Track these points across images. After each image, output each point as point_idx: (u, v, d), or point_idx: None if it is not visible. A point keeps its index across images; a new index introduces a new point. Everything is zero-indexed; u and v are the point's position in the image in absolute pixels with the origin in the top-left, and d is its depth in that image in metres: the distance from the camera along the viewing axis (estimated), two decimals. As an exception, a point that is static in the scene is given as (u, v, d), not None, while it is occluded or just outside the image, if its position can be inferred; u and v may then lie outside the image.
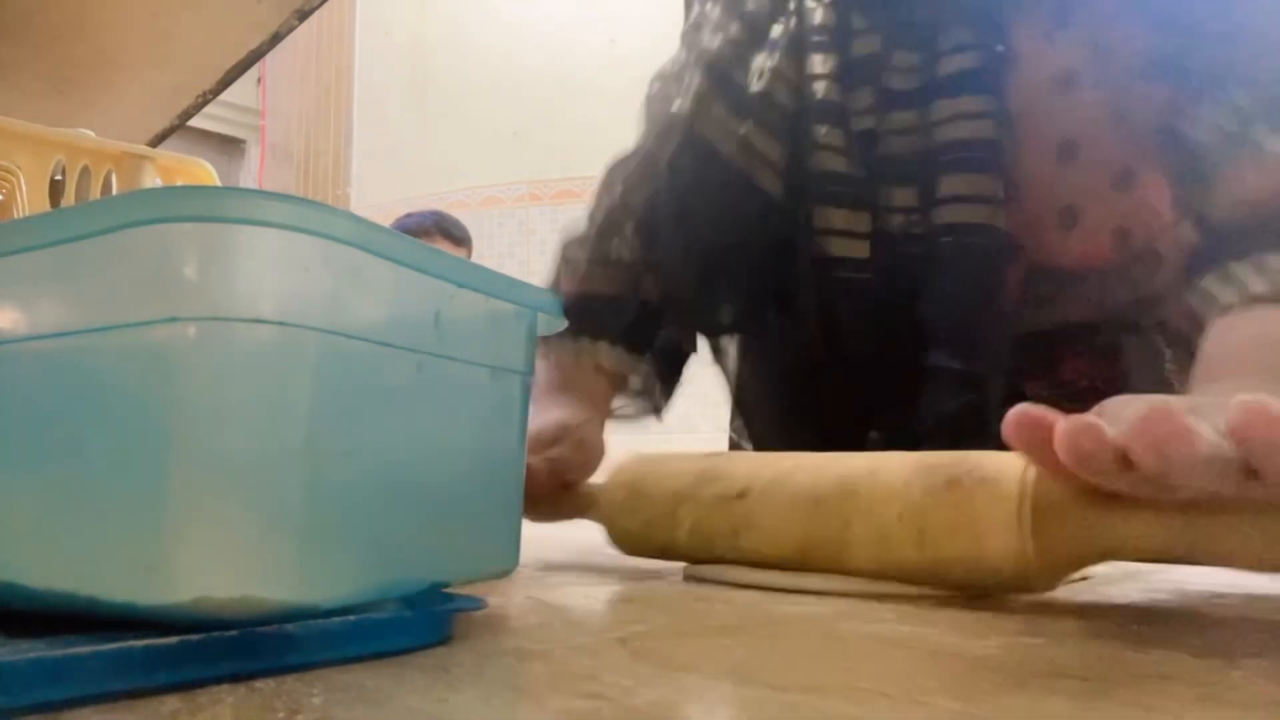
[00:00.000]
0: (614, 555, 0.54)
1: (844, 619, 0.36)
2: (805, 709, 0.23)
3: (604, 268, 0.76)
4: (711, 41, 0.75)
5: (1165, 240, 0.66)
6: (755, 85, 0.71)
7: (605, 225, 0.78)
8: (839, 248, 0.68)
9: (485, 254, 2.78)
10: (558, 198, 2.83)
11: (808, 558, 0.45)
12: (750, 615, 0.38)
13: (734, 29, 0.74)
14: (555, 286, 0.77)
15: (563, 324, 0.40)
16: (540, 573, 0.51)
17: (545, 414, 0.65)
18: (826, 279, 0.68)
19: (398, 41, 3.17)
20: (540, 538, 0.67)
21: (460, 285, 0.34)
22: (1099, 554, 0.37)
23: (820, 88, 0.69)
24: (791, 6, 0.72)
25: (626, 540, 0.53)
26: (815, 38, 0.70)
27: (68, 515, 0.27)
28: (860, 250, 0.67)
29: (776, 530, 0.45)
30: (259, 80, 3.73)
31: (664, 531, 0.50)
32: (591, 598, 0.43)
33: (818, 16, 0.70)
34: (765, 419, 0.79)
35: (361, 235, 0.29)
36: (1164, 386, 0.67)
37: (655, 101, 0.80)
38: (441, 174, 2.96)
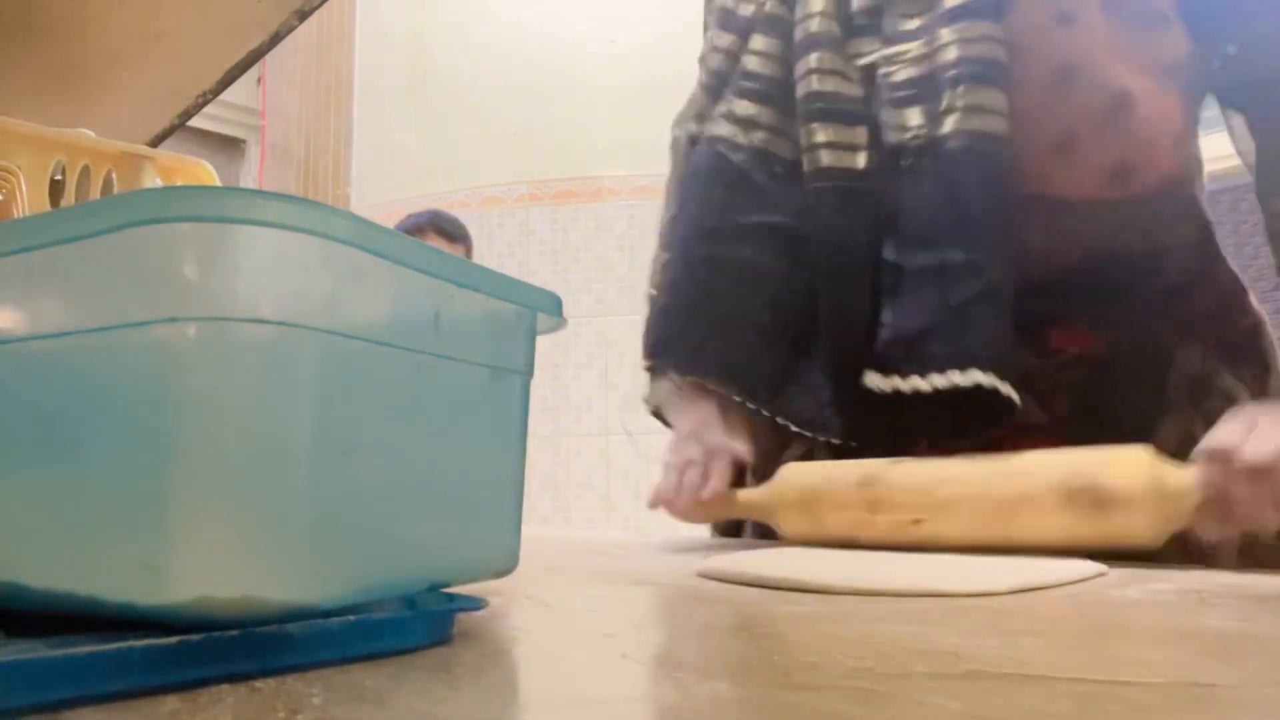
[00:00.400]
0: (614, 555, 0.54)
1: (844, 619, 0.36)
2: (804, 708, 0.23)
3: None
4: (710, 61, 0.79)
5: (1171, 184, 0.68)
6: (749, 68, 0.74)
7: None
8: (831, 159, 0.69)
9: (485, 254, 2.78)
10: (558, 198, 2.82)
11: None
12: (750, 615, 0.38)
13: (726, 41, 0.77)
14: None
15: (563, 324, 0.40)
16: (540, 573, 0.51)
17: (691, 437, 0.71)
18: (826, 192, 0.69)
19: (398, 41, 3.17)
20: (540, 538, 0.66)
21: (460, 285, 0.34)
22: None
23: (814, 24, 0.71)
24: None
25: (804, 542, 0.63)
26: None
27: (68, 515, 0.27)
28: (853, 162, 0.68)
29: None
30: (259, 80, 3.73)
31: (843, 543, 0.61)
32: (591, 598, 0.43)
33: None
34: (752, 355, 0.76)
35: (361, 235, 0.29)
36: (1154, 364, 0.67)
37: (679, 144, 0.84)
38: (441, 174, 2.96)
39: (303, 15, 0.86)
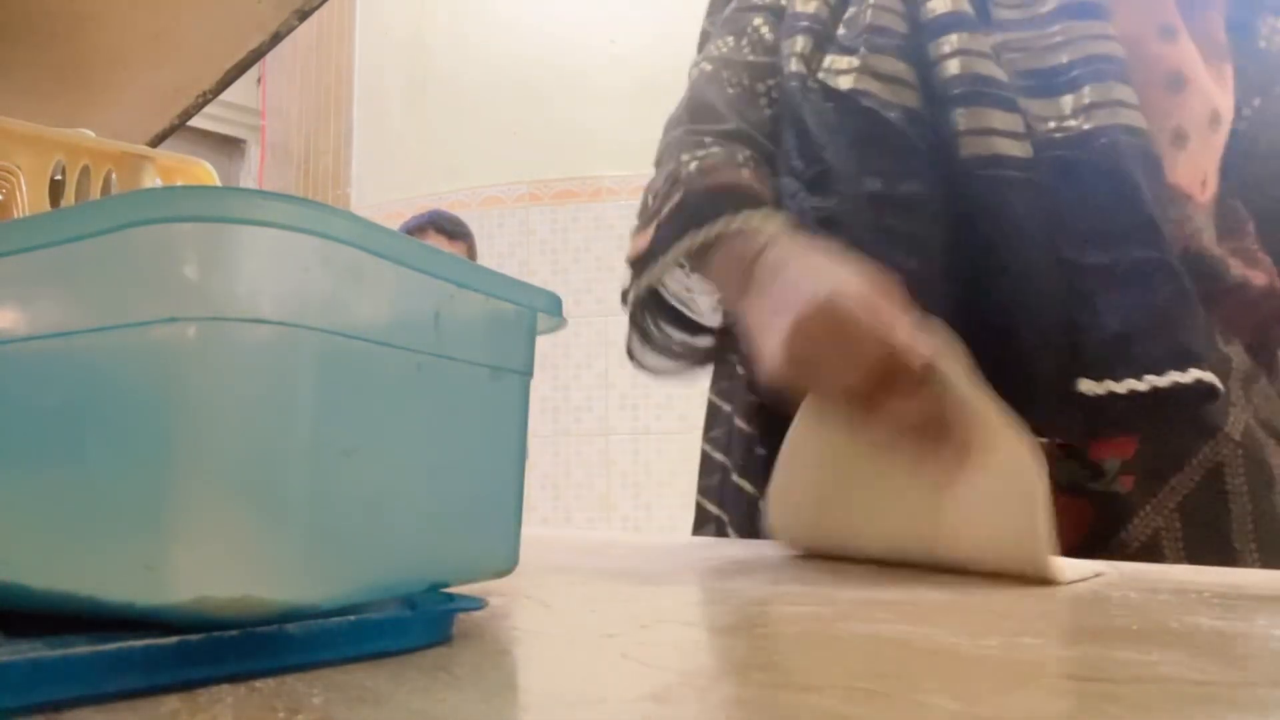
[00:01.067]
0: (614, 555, 0.54)
1: (844, 619, 0.36)
2: (804, 709, 0.23)
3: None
4: (805, 5, 0.74)
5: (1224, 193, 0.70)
6: (858, 25, 0.71)
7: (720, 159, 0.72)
8: (1002, 146, 0.66)
9: (485, 254, 2.78)
10: (558, 198, 2.83)
11: None
12: (750, 615, 0.38)
13: (815, 3, 0.74)
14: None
15: (563, 324, 0.40)
16: (540, 573, 0.51)
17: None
18: (985, 180, 0.66)
19: (398, 41, 3.17)
20: (540, 538, 0.66)
21: (460, 285, 0.34)
22: None
23: (936, 5, 0.70)
24: None
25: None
26: None
27: (68, 515, 0.27)
28: (1023, 150, 0.66)
29: None
30: (259, 80, 3.73)
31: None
32: (591, 598, 0.43)
33: None
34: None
35: (361, 235, 0.29)
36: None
37: (707, 80, 0.77)
38: (441, 174, 2.96)
39: (303, 15, 0.86)
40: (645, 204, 0.74)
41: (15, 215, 0.67)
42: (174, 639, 0.24)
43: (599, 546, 0.57)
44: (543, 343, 0.39)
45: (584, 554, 0.61)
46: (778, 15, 0.77)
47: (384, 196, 3.06)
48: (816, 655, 0.30)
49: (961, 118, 0.67)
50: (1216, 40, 0.71)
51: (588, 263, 2.75)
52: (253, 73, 3.26)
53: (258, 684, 0.25)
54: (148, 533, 0.25)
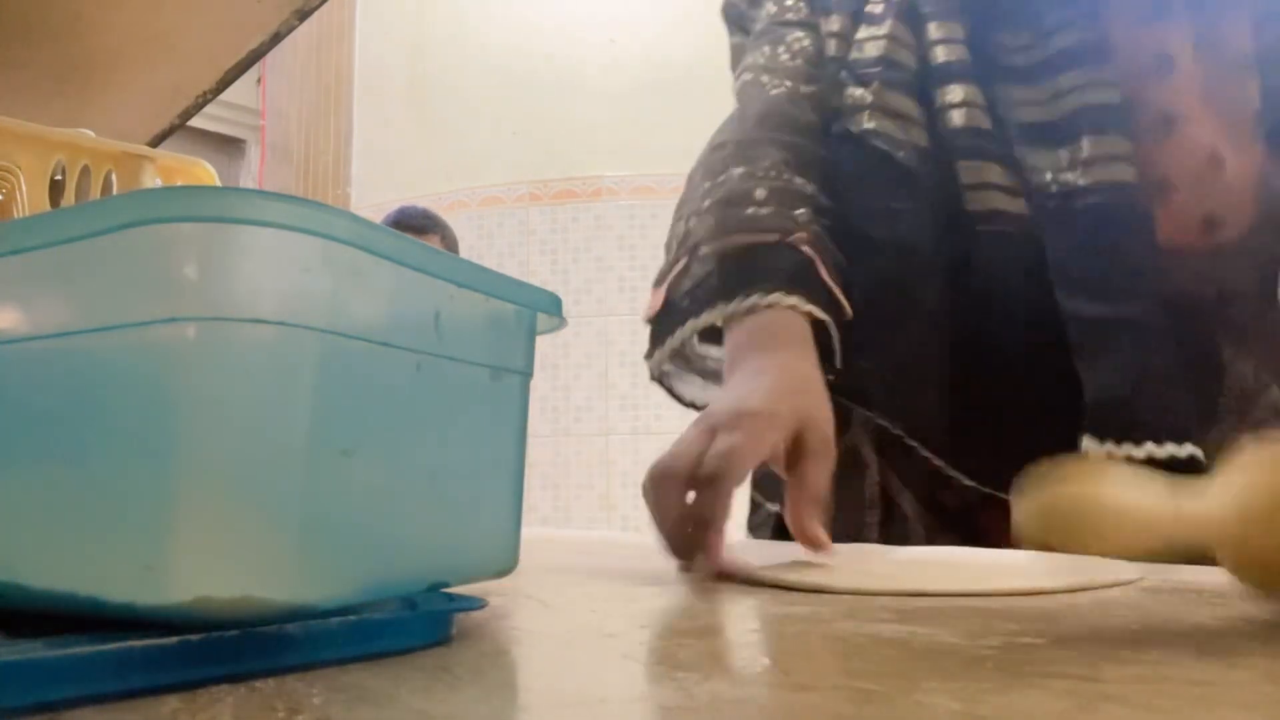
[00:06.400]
0: (614, 555, 0.54)
1: (844, 619, 0.36)
2: (805, 709, 0.23)
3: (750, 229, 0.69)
4: (817, 34, 0.75)
5: (1251, 234, 0.69)
6: (871, 53, 0.71)
7: (734, 194, 0.69)
8: (1000, 202, 0.67)
9: (485, 254, 2.78)
10: (558, 198, 2.82)
11: None
12: (750, 615, 0.38)
13: (834, 23, 0.74)
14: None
15: (563, 324, 0.40)
16: (540, 573, 0.51)
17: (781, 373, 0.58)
18: (985, 235, 0.67)
19: (398, 41, 3.17)
20: (540, 538, 0.66)
21: (460, 285, 0.34)
22: None
23: (940, 51, 0.69)
24: None
25: None
26: (926, 8, 0.71)
27: (68, 515, 0.27)
28: (1020, 206, 0.67)
29: None
30: (259, 80, 3.73)
31: None
32: (592, 598, 0.43)
33: None
34: (929, 401, 0.70)
35: (361, 235, 0.29)
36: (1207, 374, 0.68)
37: (751, 88, 0.76)
38: (441, 174, 2.96)
39: (303, 15, 0.86)
40: (667, 245, 0.72)
41: (15, 215, 0.67)
42: (174, 639, 0.24)
43: (599, 546, 0.58)
44: (543, 343, 0.39)
45: (584, 554, 0.61)
46: (814, 30, 0.77)
47: (384, 196, 3.06)
48: (816, 655, 0.30)
49: (964, 171, 0.68)
50: (1238, 51, 0.68)
51: (588, 263, 2.75)
52: (253, 73, 3.25)
53: (258, 684, 0.25)
54: (148, 533, 0.25)
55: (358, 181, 3.34)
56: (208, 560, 0.25)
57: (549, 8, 2.91)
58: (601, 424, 2.69)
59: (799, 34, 0.76)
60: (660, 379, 0.73)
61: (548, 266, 2.78)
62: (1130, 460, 0.62)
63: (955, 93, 0.69)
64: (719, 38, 0.87)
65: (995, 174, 0.67)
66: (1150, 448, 0.62)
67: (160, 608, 0.25)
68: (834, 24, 0.74)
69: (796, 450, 0.55)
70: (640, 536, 0.77)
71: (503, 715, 0.23)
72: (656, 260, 0.74)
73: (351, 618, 0.28)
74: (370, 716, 0.22)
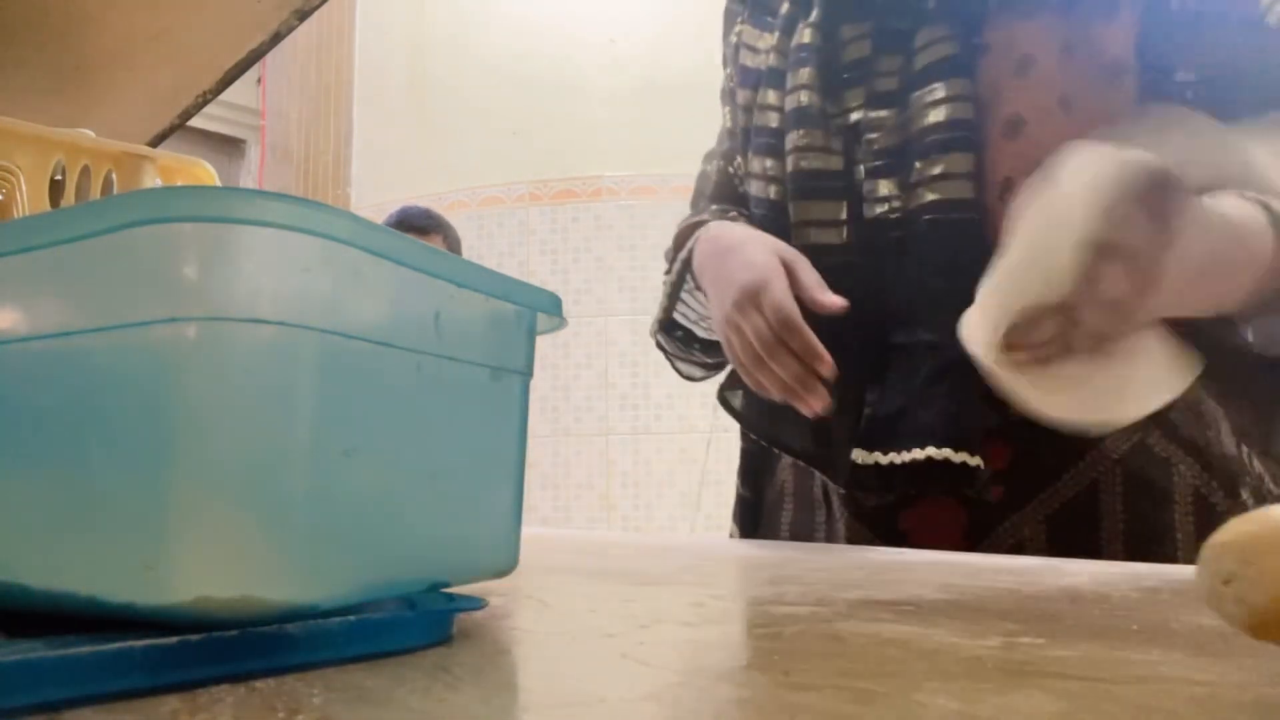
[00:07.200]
0: (614, 555, 0.54)
1: (844, 619, 0.36)
2: (804, 709, 0.23)
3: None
4: (736, 108, 0.83)
5: None
6: (758, 121, 0.78)
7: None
8: (817, 236, 0.72)
9: (485, 254, 2.78)
10: (558, 198, 2.82)
11: None
12: (750, 615, 0.38)
13: (742, 96, 0.81)
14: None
15: (563, 324, 0.40)
16: (540, 573, 0.51)
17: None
18: (820, 267, 0.71)
19: (398, 41, 3.17)
20: (540, 538, 0.67)
21: (460, 285, 0.34)
22: None
23: (802, 97, 0.74)
24: (778, 43, 0.78)
25: None
26: (800, 54, 0.75)
27: (68, 515, 0.27)
28: (836, 237, 0.72)
29: None
30: (259, 80, 3.73)
31: None
32: (591, 598, 0.43)
33: (805, 36, 0.75)
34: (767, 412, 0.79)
35: (361, 235, 0.29)
36: None
37: (701, 179, 0.90)
38: (441, 174, 2.96)
39: (303, 15, 0.86)
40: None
41: (15, 215, 0.67)
42: (174, 639, 0.24)
43: (599, 546, 0.57)
44: (543, 343, 0.39)
45: (584, 554, 0.61)
46: (735, 104, 0.85)
47: (384, 196, 3.06)
48: (816, 655, 0.30)
49: (795, 210, 0.74)
50: (1113, 56, 0.67)
51: (588, 263, 2.75)
52: (253, 73, 3.26)
53: (258, 684, 0.25)
54: (148, 533, 0.25)
55: (358, 181, 3.34)
56: (208, 560, 0.25)
57: (549, 8, 2.91)
58: (601, 424, 2.68)
59: (726, 110, 0.87)
60: (659, 344, 0.85)
61: (548, 266, 2.77)
62: (903, 464, 0.67)
63: (793, 139, 0.74)
64: (718, 39, 0.87)
65: (815, 211, 0.72)
66: (904, 455, 0.67)
67: (160, 608, 0.25)
68: (740, 97, 0.82)
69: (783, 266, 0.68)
70: (640, 536, 0.77)
71: (503, 715, 0.23)
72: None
73: (351, 618, 0.28)
74: (370, 716, 0.22)
